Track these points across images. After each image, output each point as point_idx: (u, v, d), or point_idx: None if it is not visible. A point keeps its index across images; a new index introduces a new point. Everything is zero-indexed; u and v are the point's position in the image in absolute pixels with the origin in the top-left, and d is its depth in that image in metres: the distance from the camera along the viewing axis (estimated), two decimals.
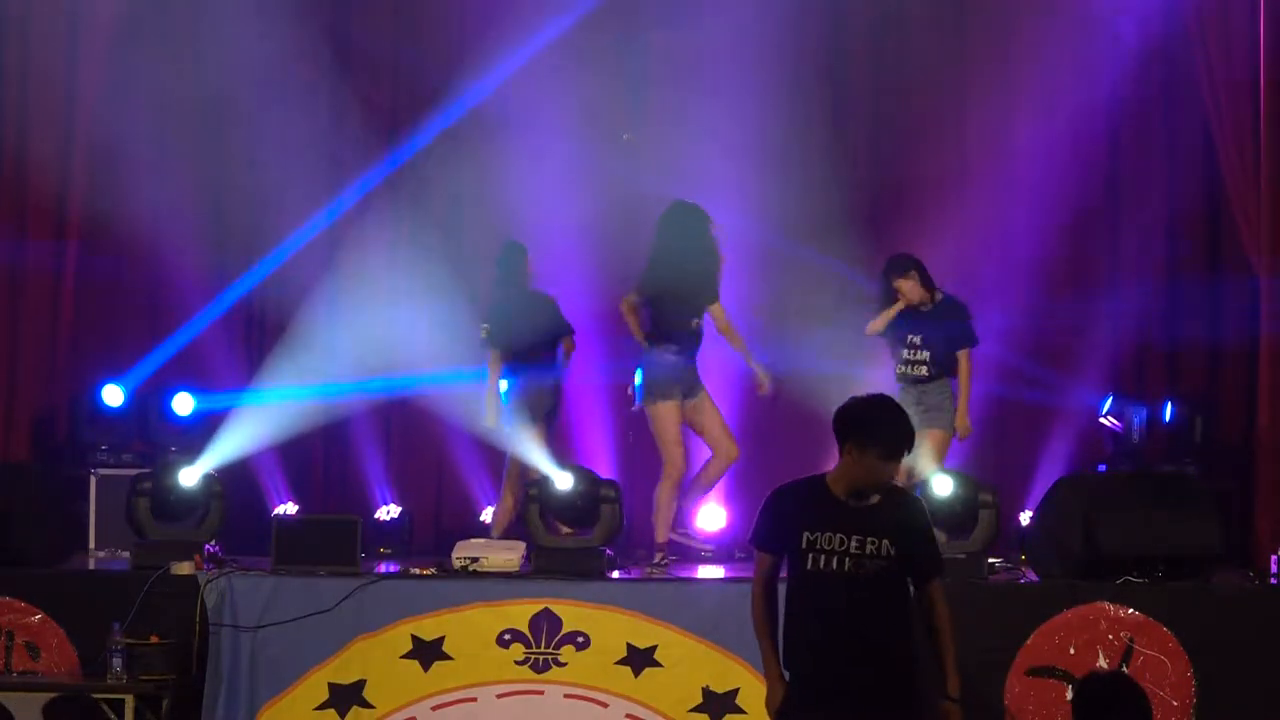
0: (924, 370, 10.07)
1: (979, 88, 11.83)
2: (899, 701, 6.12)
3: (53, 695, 8.52)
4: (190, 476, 9.51)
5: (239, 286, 11.64)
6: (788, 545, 6.18)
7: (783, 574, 6.31)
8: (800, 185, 11.43)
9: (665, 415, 10.03)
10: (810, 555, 6.10)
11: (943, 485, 9.22)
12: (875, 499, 6.17)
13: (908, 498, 6.36)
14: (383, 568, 9.54)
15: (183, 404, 11.40)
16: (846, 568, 6.08)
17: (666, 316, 10.11)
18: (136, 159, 11.56)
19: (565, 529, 9.61)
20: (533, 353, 10.42)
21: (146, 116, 11.68)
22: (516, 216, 11.48)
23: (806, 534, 6.11)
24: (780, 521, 6.23)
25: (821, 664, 6.11)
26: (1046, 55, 11.69)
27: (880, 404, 6.25)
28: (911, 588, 6.26)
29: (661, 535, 10.05)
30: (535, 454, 10.04)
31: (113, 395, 11.35)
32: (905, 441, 6.14)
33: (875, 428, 6.12)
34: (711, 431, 10.20)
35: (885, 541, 6.09)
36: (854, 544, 6.08)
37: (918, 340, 10.08)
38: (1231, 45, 10.70)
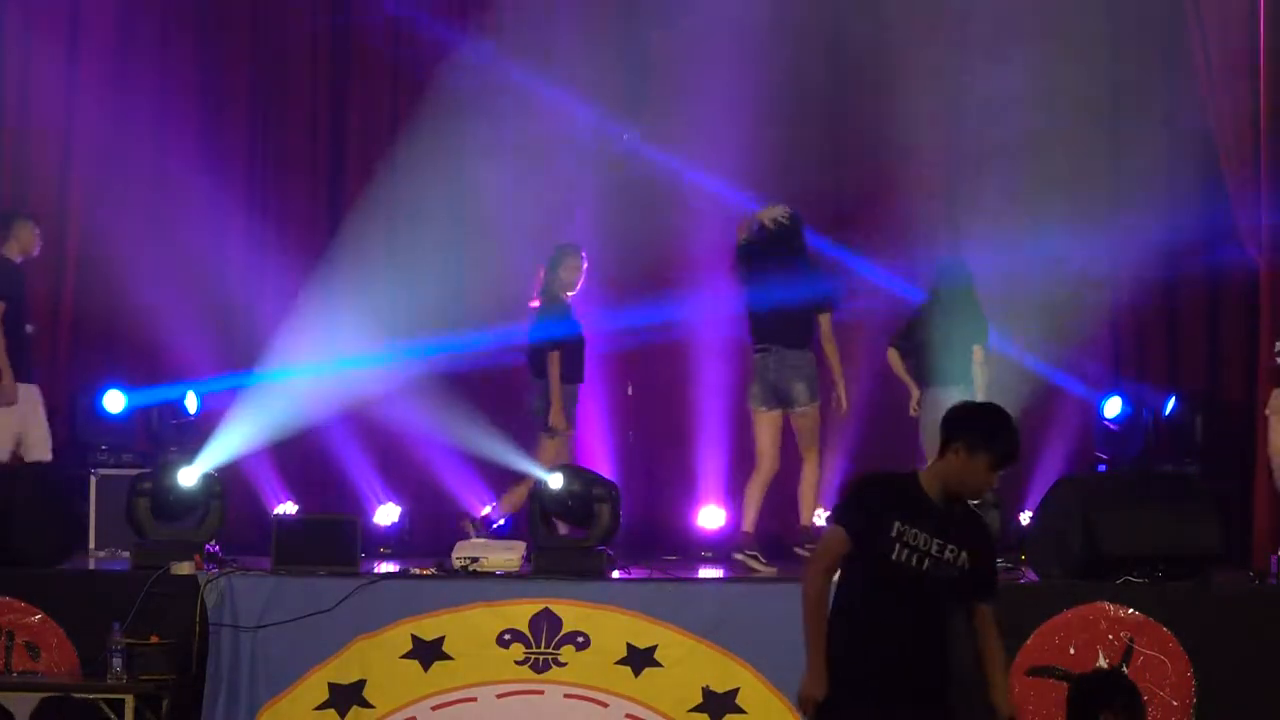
0: None
1: (977, 79, 11.84)
2: (939, 706, 6.08)
3: (43, 697, 8.53)
4: (190, 476, 9.50)
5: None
6: (875, 531, 6.04)
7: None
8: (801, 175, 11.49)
9: None
10: (897, 546, 6.00)
11: None
12: (958, 508, 6.12)
13: (979, 517, 6.32)
14: (383, 568, 9.55)
15: (189, 402, 11.40)
16: (925, 567, 6.02)
17: None
18: (134, 179, 11.65)
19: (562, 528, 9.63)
20: (533, 357, 10.49)
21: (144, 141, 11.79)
22: (517, 220, 11.54)
23: (898, 524, 6.02)
24: (874, 506, 6.09)
25: (886, 662, 6.02)
26: (1048, 54, 11.70)
27: (1001, 411, 6.22)
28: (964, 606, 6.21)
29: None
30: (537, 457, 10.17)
31: (114, 401, 11.33)
32: (1017, 454, 6.11)
33: (995, 433, 6.08)
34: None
35: (964, 553, 6.06)
36: (935, 546, 6.03)
37: None
38: (1230, 37, 10.70)
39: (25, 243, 10.52)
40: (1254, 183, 10.61)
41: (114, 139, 11.74)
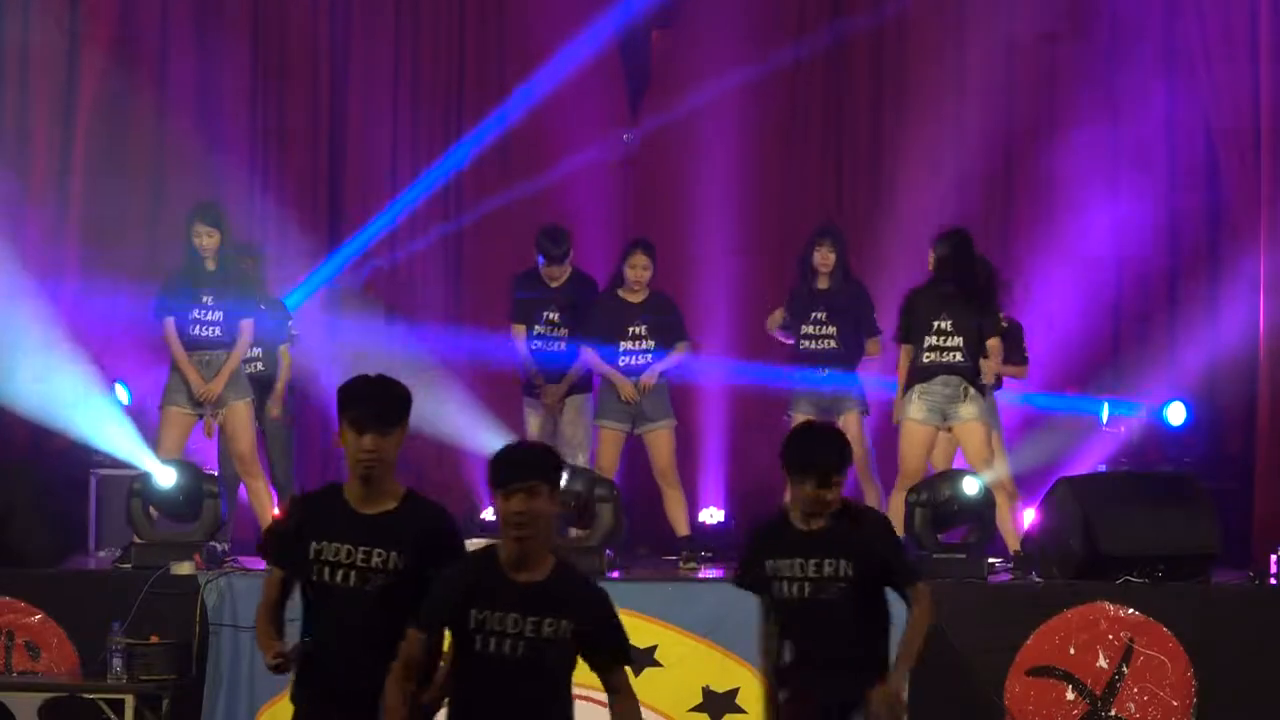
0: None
1: (979, 82, 11.84)
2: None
3: (48, 696, 8.54)
4: (188, 476, 9.47)
5: None
6: (760, 578, 6.18)
7: None
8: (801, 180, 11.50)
9: None
10: (775, 583, 6.11)
11: (971, 485, 9.19)
12: (822, 522, 6.08)
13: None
14: None
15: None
16: (806, 593, 6.07)
17: None
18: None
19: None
20: None
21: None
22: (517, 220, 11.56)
23: (769, 562, 6.12)
24: (751, 555, 6.24)
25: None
26: (1048, 55, 11.72)
27: (808, 429, 6.34)
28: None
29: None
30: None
31: (120, 394, 11.29)
32: (822, 465, 6.03)
33: (792, 450, 6.11)
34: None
35: (842, 562, 6.05)
36: (812, 568, 6.07)
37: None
38: (1233, 43, 10.70)
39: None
40: (1255, 182, 10.61)
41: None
